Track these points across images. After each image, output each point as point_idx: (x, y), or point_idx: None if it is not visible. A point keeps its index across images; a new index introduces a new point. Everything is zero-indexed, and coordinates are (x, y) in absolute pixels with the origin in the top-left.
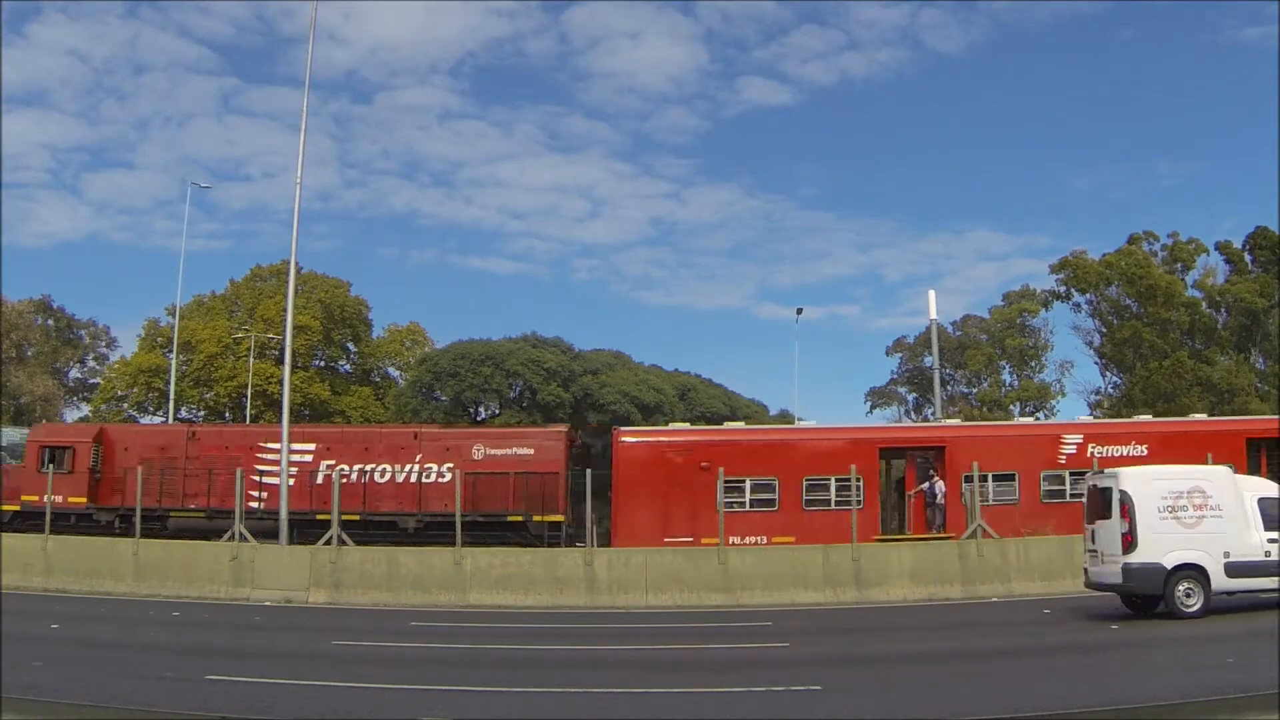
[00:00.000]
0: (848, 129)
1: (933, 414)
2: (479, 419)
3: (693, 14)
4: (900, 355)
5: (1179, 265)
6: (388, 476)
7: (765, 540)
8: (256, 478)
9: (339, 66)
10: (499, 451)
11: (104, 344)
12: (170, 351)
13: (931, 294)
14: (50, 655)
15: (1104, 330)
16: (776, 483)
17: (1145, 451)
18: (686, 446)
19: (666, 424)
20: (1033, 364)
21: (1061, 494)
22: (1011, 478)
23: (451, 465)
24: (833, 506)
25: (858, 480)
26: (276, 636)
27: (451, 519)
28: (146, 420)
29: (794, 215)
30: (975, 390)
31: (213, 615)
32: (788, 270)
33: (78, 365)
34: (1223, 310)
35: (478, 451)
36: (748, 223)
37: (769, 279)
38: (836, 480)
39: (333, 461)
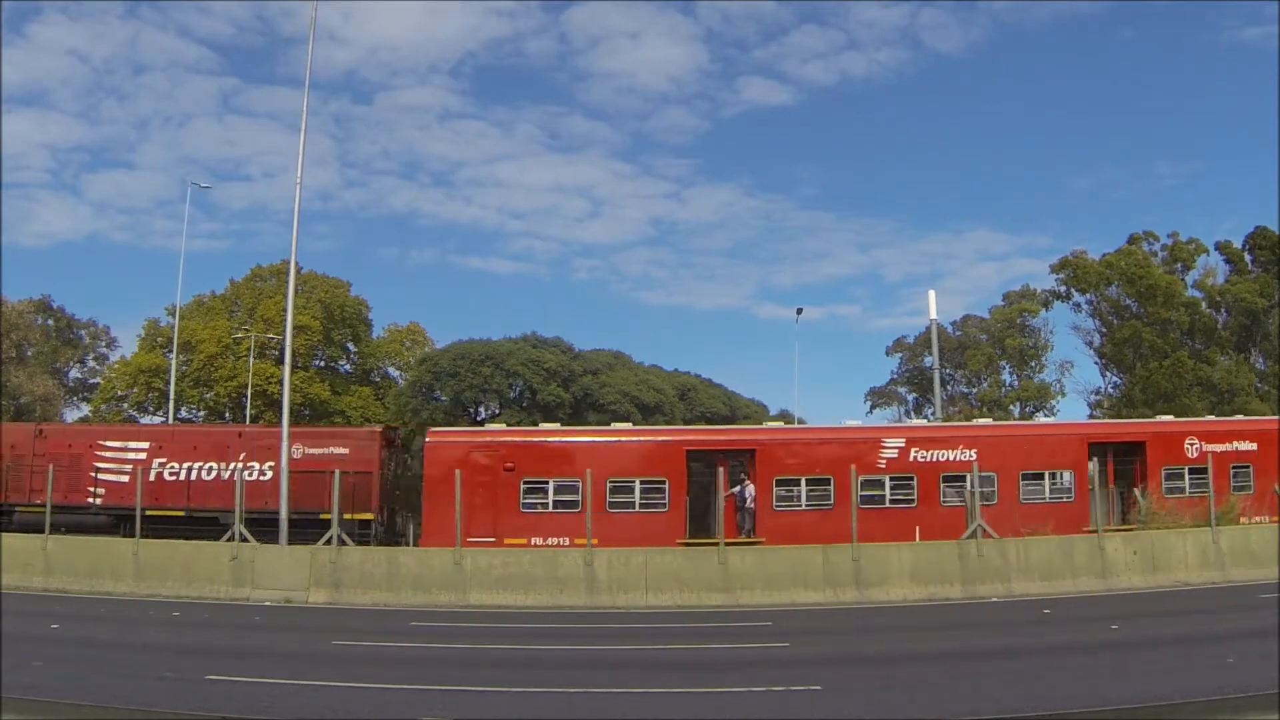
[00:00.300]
0: (848, 129)
1: (933, 414)
2: (479, 419)
3: (693, 14)
4: (900, 355)
5: (1179, 265)
6: (213, 474)
7: (567, 542)
8: (94, 474)
9: (339, 66)
10: (317, 451)
11: (104, 344)
12: (170, 351)
13: (931, 294)
14: (50, 655)
15: (1104, 330)
16: (580, 484)
17: (974, 456)
18: (493, 447)
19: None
20: (1033, 364)
21: (881, 499)
22: (826, 482)
23: (273, 464)
24: (637, 509)
25: (661, 482)
26: (276, 636)
27: (267, 515)
28: (146, 420)
29: (794, 215)
30: (975, 390)
31: (213, 615)
32: (788, 270)
33: (78, 365)
34: (1223, 310)
35: (297, 451)
36: (748, 223)
37: (769, 279)
38: (641, 483)
39: (164, 459)
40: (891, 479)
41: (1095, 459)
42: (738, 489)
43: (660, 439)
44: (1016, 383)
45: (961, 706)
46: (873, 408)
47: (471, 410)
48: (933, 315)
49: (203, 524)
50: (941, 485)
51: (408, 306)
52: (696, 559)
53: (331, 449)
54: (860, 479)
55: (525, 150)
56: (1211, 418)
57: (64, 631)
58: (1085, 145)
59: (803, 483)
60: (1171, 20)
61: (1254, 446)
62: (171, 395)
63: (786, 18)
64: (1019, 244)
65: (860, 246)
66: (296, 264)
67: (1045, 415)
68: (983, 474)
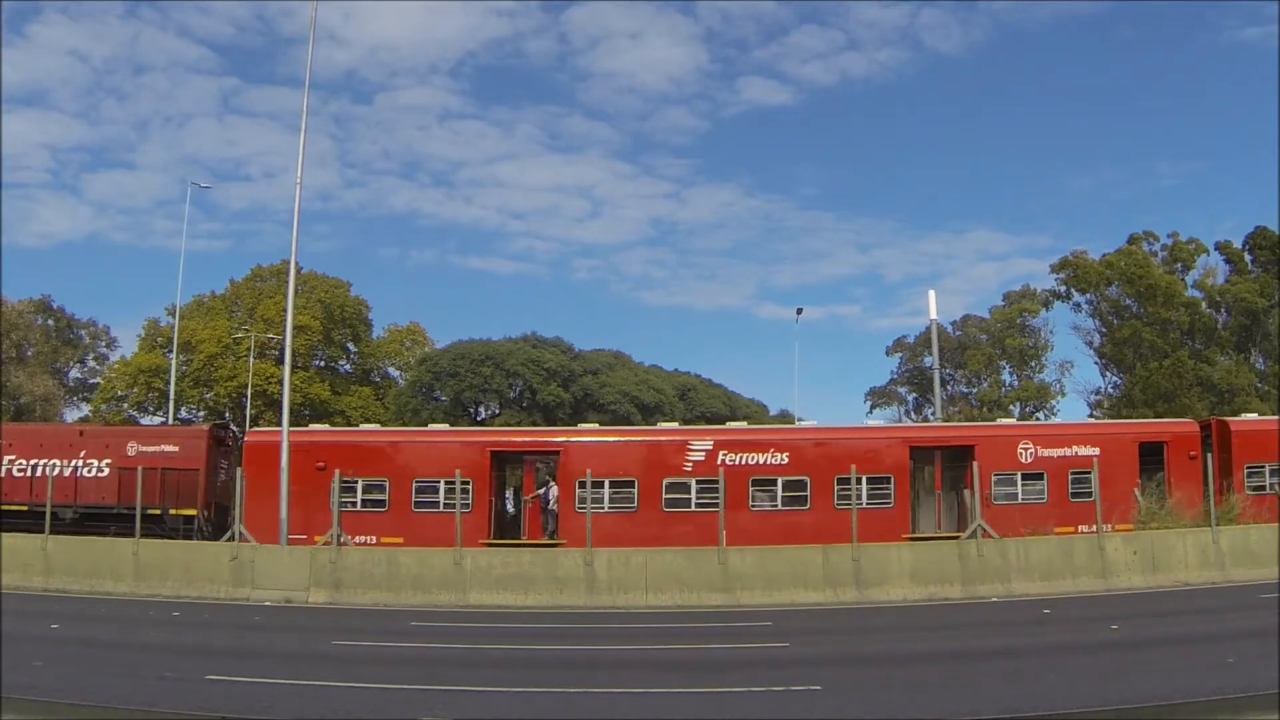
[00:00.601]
0: (848, 129)
1: (933, 414)
2: (479, 419)
3: (693, 14)
4: (900, 355)
5: (1179, 265)
6: (56, 470)
7: (375, 541)
8: None
9: (339, 66)
10: (149, 449)
11: (104, 344)
12: (170, 351)
13: (931, 294)
14: (50, 655)
15: (1104, 330)
16: (387, 484)
17: (785, 460)
18: (305, 447)
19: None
20: (1033, 364)
21: (687, 503)
22: (631, 484)
23: (110, 461)
24: (441, 509)
25: (466, 482)
26: (276, 636)
27: (104, 509)
28: (146, 420)
29: (794, 215)
30: (975, 390)
31: (213, 615)
32: (788, 270)
33: (78, 365)
34: (1223, 310)
35: (131, 448)
36: (748, 223)
37: (769, 279)
38: (445, 483)
39: (14, 456)
40: (698, 482)
41: (920, 463)
42: (542, 490)
43: (466, 440)
44: (1016, 383)
45: (961, 706)
46: (873, 408)
47: (472, 410)
48: (933, 315)
49: (41, 518)
50: (751, 489)
51: (408, 306)
52: (696, 559)
53: (162, 447)
54: (665, 481)
55: (525, 150)
56: (1044, 420)
57: (64, 631)
58: (1085, 145)
59: (606, 485)
60: (1171, 20)
61: (1096, 451)
62: (171, 395)
63: (786, 18)
64: (1019, 244)
65: (860, 246)
66: (296, 264)
67: (1045, 415)
68: (795, 478)
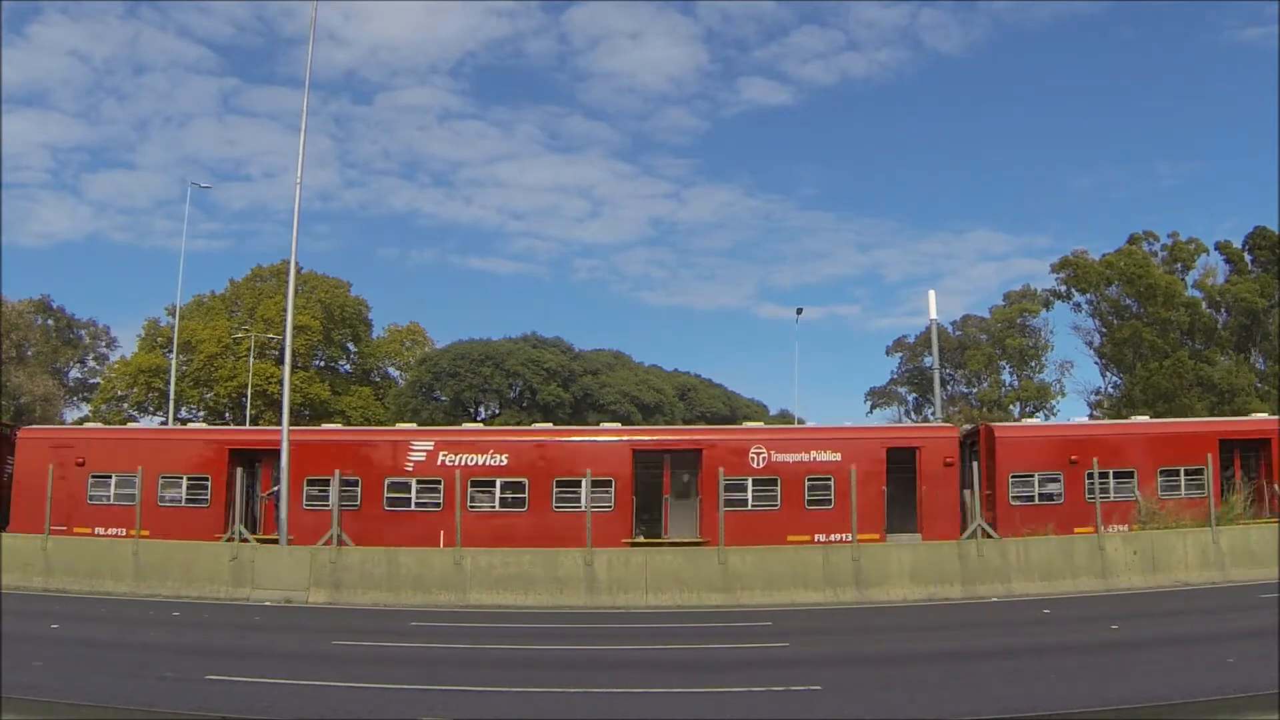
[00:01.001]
0: (848, 129)
1: (933, 414)
2: (479, 419)
3: (693, 14)
4: (900, 355)
5: (1179, 265)
6: None
7: (124, 533)
8: None
9: (339, 67)
10: None
11: (104, 344)
12: (170, 351)
13: (931, 294)
14: (50, 655)
15: (1104, 330)
16: (138, 478)
17: (505, 462)
18: (69, 444)
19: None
20: (1033, 364)
21: (408, 502)
22: (355, 483)
23: None
24: (184, 504)
25: (205, 479)
26: (276, 636)
27: None
28: (146, 421)
29: (794, 215)
30: (975, 390)
31: (213, 615)
32: (788, 270)
33: (78, 365)
34: (1223, 310)
35: None
36: (748, 223)
37: (769, 279)
38: (189, 479)
39: None
40: (418, 482)
41: (648, 468)
42: (276, 489)
43: (206, 438)
44: (1016, 383)
45: (961, 706)
46: (873, 408)
47: (471, 410)
48: (933, 315)
49: None
50: (470, 490)
51: (408, 306)
52: (696, 559)
53: None
54: (387, 481)
55: (525, 150)
56: (783, 425)
57: (64, 631)
58: (1085, 145)
59: (332, 482)
60: (1171, 20)
61: (837, 457)
62: (171, 395)
63: (786, 18)
64: (1019, 244)
65: (860, 246)
66: (296, 264)
67: (1044, 416)
68: (513, 480)
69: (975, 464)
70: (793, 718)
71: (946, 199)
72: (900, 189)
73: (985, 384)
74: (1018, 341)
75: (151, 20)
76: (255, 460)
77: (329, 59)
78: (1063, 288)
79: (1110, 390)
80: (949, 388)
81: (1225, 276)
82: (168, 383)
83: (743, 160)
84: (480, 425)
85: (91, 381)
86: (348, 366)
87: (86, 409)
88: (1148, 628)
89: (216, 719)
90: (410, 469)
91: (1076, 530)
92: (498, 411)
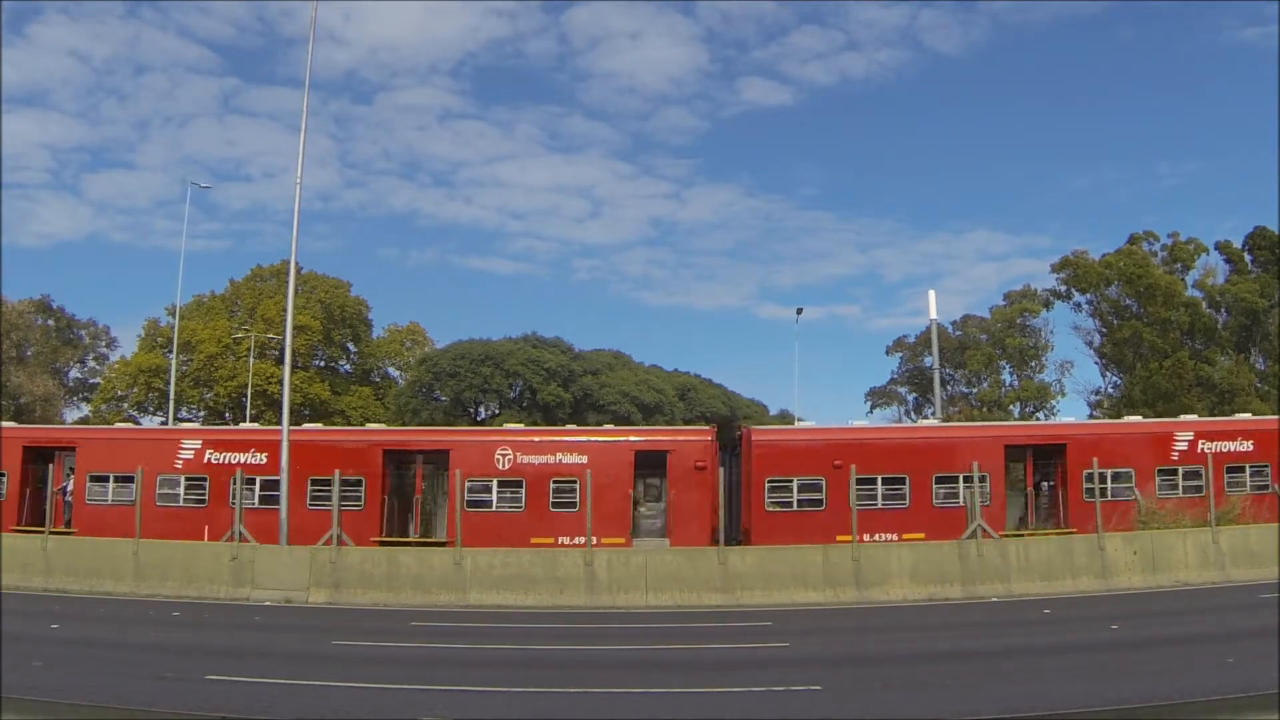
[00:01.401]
0: (847, 129)
1: (933, 413)
2: (479, 419)
3: (693, 14)
4: (900, 355)
5: (1179, 265)
6: None
7: None
8: None
9: (339, 67)
10: None
11: (104, 344)
12: (170, 351)
13: (931, 294)
14: (50, 655)
15: (1104, 330)
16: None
17: (265, 460)
18: None
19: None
20: (1033, 364)
21: (177, 499)
22: (131, 479)
23: None
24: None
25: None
26: (276, 636)
27: None
28: (146, 421)
29: (794, 215)
30: (975, 390)
31: (213, 615)
32: (788, 270)
33: (78, 365)
34: (1223, 310)
35: None
36: (748, 223)
37: (769, 279)
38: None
39: None
40: (187, 479)
41: (400, 467)
42: (66, 484)
43: (9, 436)
44: (1016, 383)
45: (961, 706)
46: (873, 408)
47: (471, 410)
48: (933, 315)
49: None
50: (233, 485)
51: (408, 306)
52: (696, 559)
53: None
54: (159, 477)
55: (525, 150)
56: (518, 426)
57: (64, 631)
58: (1085, 145)
59: (111, 479)
60: (1171, 20)
61: (583, 460)
62: (171, 395)
63: (786, 18)
64: (1019, 244)
65: (860, 246)
66: (296, 264)
67: (1045, 415)
68: (272, 478)
69: (722, 469)
70: (793, 718)
71: (946, 199)
72: (900, 189)
73: (985, 384)
74: (1018, 341)
75: (151, 20)
76: (49, 459)
77: (329, 59)
78: (1063, 288)
79: (1110, 390)
80: (949, 388)
81: (1225, 276)
82: (168, 383)
83: (743, 160)
84: (253, 427)
85: (91, 381)
86: (348, 366)
87: (87, 409)
88: (1147, 627)
89: (216, 719)
90: (180, 466)
91: (838, 539)
92: (498, 411)
